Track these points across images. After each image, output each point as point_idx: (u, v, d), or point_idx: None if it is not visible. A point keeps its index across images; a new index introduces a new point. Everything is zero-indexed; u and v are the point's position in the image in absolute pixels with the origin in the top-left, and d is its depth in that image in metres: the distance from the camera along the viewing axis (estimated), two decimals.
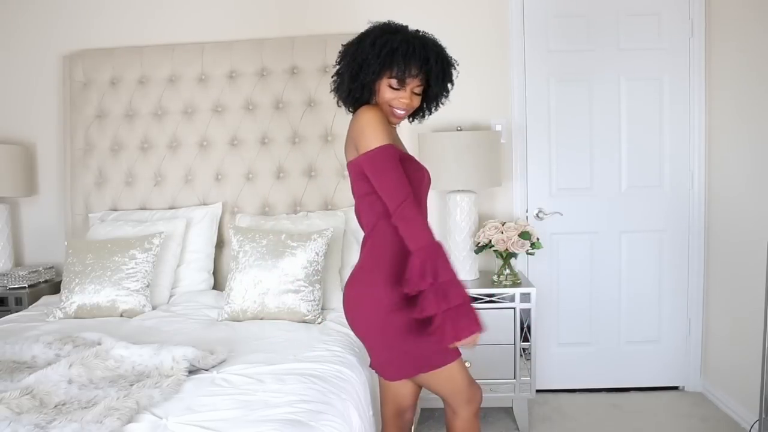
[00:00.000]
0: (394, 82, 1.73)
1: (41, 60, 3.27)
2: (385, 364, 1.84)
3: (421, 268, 1.61)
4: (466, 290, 1.65)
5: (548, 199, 3.20)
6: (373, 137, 1.70)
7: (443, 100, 1.88)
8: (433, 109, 1.91)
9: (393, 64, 1.70)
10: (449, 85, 1.84)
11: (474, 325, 1.63)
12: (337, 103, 1.88)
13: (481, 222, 2.96)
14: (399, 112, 1.79)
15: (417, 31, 1.78)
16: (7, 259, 3.15)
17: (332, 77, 1.84)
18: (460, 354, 1.81)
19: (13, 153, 3.12)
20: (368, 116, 1.72)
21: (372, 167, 1.70)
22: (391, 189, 1.68)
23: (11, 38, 3.27)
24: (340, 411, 1.74)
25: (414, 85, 1.75)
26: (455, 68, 1.83)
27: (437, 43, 1.79)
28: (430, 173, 1.93)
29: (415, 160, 1.86)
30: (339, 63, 1.81)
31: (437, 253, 1.64)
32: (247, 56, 3.09)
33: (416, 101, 1.79)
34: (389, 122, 1.81)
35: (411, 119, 1.93)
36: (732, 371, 2.93)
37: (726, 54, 2.92)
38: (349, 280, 1.86)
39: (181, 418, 1.59)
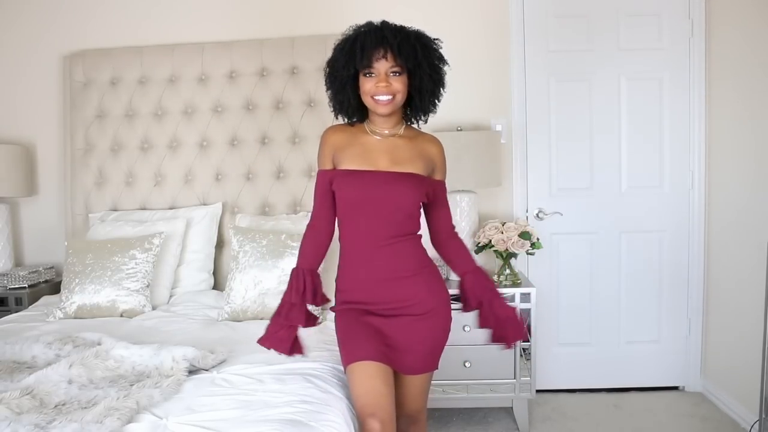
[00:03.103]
0: (364, 70, 1.72)
1: (41, 60, 3.26)
2: None
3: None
4: None
5: (548, 199, 3.20)
6: (445, 171, 1.94)
7: (442, 90, 1.81)
8: (433, 99, 1.81)
9: (354, 52, 1.71)
10: (438, 65, 1.77)
11: None
12: (343, 119, 1.86)
13: (481, 222, 2.96)
14: (382, 98, 1.72)
15: (388, 23, 1.74)
16: (7, 259, 3.14)
17: (329, 102, 1.87)
18: (355, 360, 1.71)
19: (13, 153, 3.11)
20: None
21: (445, 194, 1.94)
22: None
23: (11, 38, 3.27)
24: (340, 411, 1.75)
25: (387, 67, 1.70)
26: (435, 44, 1.77)
27: (404, 28, 1.74)
28: None
29: None
30: (324, 80, 1.86)
31: None
32: (247, 56, 3.09)
33: (398, 83, 1.72)
34: (378, 114, 1.77)
35: (416, 120, 1.87)
36: (732, 371, 2.93)
37: (726, 54, 2.92)
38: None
39: (181, 418, 1.59)
